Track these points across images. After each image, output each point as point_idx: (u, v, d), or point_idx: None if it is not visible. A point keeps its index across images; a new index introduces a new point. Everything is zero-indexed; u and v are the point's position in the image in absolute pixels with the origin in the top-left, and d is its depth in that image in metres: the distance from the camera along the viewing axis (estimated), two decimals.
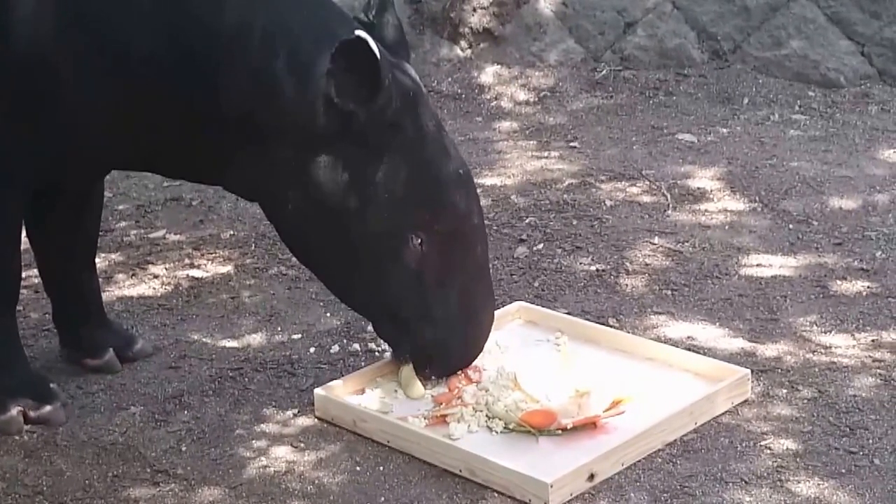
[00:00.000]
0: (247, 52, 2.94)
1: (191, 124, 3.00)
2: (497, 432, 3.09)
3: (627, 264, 4.12)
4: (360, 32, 2.85)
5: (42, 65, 2.92)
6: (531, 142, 5.44)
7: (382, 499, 2.91)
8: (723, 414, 3.19)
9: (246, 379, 3.48)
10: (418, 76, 3.15)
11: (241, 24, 2.94)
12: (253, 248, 4.39)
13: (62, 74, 2.93)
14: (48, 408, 3.25)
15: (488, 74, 6.13)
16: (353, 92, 2.88)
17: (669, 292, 3.92)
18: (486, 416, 3.13)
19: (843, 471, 2.95)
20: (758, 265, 4.09)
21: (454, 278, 3.11)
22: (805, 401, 3.26)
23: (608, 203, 4.64)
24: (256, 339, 3.73)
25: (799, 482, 2.91)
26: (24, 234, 3.32)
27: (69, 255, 3.46)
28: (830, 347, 3.54)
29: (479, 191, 3.27)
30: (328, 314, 3.85)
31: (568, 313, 3.75)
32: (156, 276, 4.17)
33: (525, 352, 3.46)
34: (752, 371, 3.34)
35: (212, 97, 2.96)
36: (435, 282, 3.09)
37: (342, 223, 3.01)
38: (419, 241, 3.04)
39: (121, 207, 4.80)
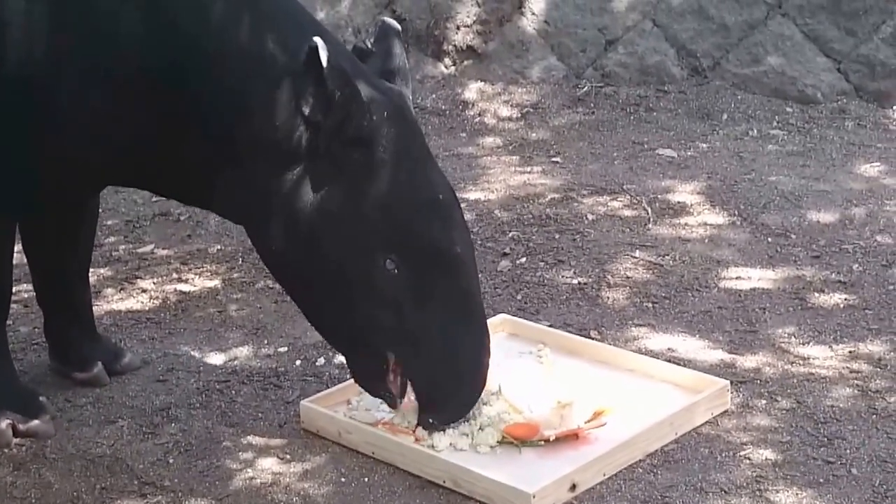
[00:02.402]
0: (227, 69, 2.94)
1: (176, 142, 3.00)
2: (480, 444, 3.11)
3: (609, 277, 4.15)
4: (317, 39, 2.77)
5: (30, 82, 2.93)
6: (514, 157, 5.47)
7: None
8: (703, 424, 3.22)
9: (233, 392, 3.50)
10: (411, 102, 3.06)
11: (223, 41, 2.94)
12: (240, 262, 4.41)
13: (50, 91, 2.94)
14: (37, 421, 3.27)
15: (472, 91, 6.17)
16: (317, 102, 2.81)
17: (650, 305, 3.96)
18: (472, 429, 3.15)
19: (822, 480, 2.98)
20: (737, 278, 4.12)
21: (435, 308, 2.92)
22: (784, 411, 3.29)
23: (590, 217, 4.68)
24: (243, 352, 3.75)
25: (778, 492, 2.94)
26: (18, 248, 3.36)
27: (63, 267, 3.48)
28: (808, 359, 3.57)
29: (462, 205, 3.18)
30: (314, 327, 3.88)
31: (550, 326, 3.78)
32: (144, 291, 4.19)
33: (508, 364, 3.46)
34: (732, 382, 3.37)
35: (197, 114, 2.97)
36: (412, 310, 2.91)
37: (310, 242, 2.91)
38: (393, 266, 2.88)
39: (110, 223, 4.82)
